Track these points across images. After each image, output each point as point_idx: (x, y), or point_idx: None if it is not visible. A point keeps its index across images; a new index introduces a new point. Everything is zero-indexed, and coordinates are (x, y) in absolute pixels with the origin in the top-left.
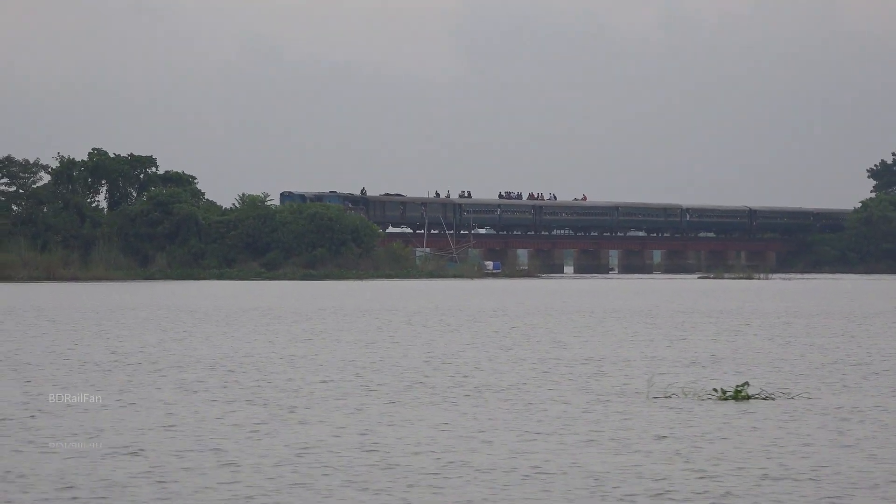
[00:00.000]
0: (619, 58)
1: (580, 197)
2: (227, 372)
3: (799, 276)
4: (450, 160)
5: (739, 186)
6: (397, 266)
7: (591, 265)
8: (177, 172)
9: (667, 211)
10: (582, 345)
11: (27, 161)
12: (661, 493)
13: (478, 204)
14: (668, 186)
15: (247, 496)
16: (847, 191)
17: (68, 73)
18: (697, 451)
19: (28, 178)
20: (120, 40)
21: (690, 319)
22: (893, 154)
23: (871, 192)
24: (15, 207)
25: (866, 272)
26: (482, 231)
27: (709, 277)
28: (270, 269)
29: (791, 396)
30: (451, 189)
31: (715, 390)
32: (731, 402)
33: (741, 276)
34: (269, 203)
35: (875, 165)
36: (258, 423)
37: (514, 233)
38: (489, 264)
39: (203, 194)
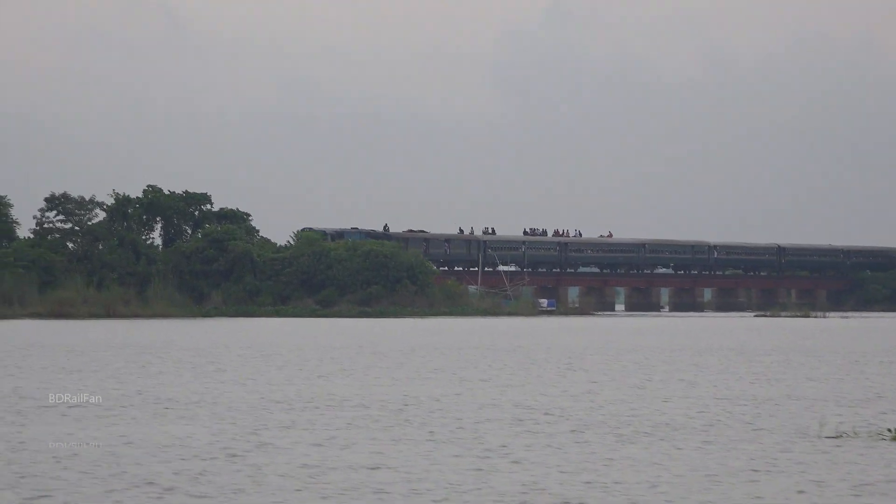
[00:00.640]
0: (653, 97)
1: (605, 234)
2: (443, 418)
3: (854, 314)
4: (473, 198)
5: (767, 225)
6: (452, 304)
7: (643, 303)
8: (231, 209)
9: (694, 248)
10: (721, 382)
11: (83, 198)
12: None
13: (502, 241)
14: (692, 223)
15: None
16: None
17: (121, 110)
18: None
19: (84, 215)
20: (172, 79)
21: (801, 357)
22: None
23: None
24: (70, 244)
25: None
26: (511, 268)
27: (765, 315)
28: (325, 307)
29: None
30: (475, 226)
31: (889, 430)
32: None
33: (798, 314)
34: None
35: None
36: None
37: (568, 270)
38: (544, 302)
39: (258, 231)
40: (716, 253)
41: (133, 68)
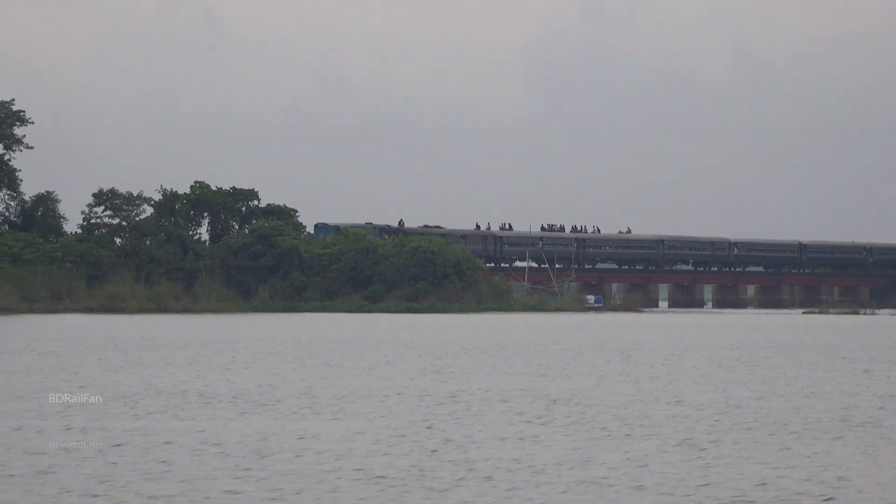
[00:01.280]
0: (686, 96)
1: (625, 230)
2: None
3: None
4: (490, 194)
5: (790, 220)
6: (500, 300)
7: (686, 300)
8: (278, 205)
9: (714, 245)
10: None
11: (130, 194)
12: None
13: (518, 236)
14: (713, 220)
15: None
16: None
17: (169, 106)
18: None
19: (131, 211)
20: (223, 76)
21: None
22: None
23: None
24: (118, 240)
25: None
26: (533, 264)
27: (814, 313)
28: (372, 302)
29: None
30: (492, 221)
31: None
32: None
33: (847, 311)
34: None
35: None
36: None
37: (610, 265)
38: (590, 298)
39: (304, 227)
40: (736, 250)
41: (183, 66)
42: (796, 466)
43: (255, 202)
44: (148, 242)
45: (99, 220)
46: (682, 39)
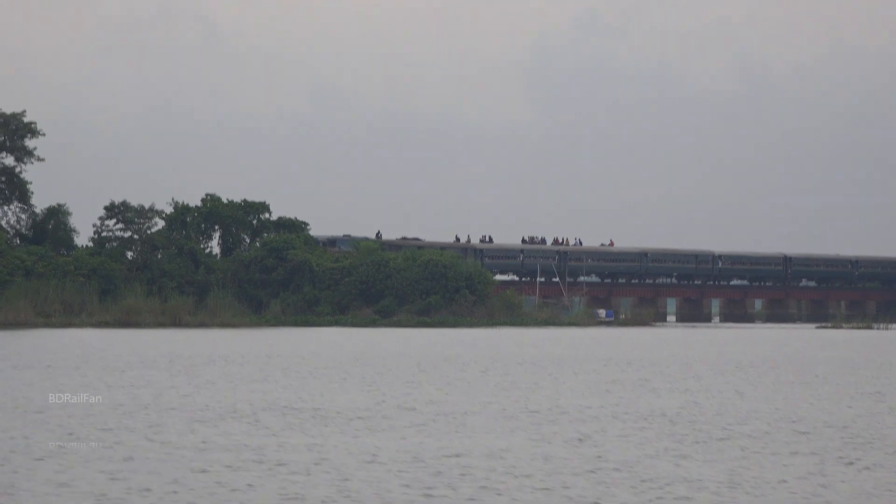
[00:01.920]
0: (683, 106)
1: (607, 242)
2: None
3: None
4: (468, 206)
5: (775, 235)
6: (511, 314)
7: (694, 314)
8: (290, 219)
9: (697, 257)
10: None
11: (142, 206)
12: None
13: (499, 249)
14: (696, 233)
15: None
16: None
17: (180, 120)
18: None
19: (143, 224)
20: (235, 89)
21: None
22: None
23: None
24: (129, 253)
25: None
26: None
27: (827, 328)
28: (384, 317)
29: None
30: (471, 233)
31: None
32: None
33: (861, 325)
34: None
35: None
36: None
37: (619, 281)
38: (602, 312)
39: (316, 241)
40: (720, 262)
41: (190, 80)
42: None
43: (267, 215)
44: (159, 256)
45: (110, 233)
46: (678, 51)
